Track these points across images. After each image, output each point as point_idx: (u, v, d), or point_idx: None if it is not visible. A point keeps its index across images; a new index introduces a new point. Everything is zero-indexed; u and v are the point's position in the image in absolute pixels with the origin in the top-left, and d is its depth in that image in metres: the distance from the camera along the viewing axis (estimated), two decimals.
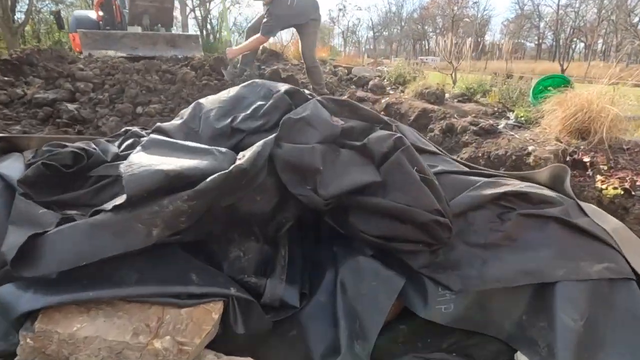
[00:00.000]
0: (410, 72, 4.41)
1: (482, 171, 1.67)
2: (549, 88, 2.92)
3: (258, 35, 3.60)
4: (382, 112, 3.69)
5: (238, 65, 4.00)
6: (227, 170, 1.11)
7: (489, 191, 1.50)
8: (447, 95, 3.89)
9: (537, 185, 1.57)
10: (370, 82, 4.39)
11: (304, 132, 1.46)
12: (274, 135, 1.39)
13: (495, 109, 3.44)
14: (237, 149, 1.45)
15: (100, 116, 2.88)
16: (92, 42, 6.40)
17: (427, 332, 1.64)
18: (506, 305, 1.45)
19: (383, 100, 3.86)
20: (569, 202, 1.49)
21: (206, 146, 1.27)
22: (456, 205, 1.51)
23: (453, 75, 4.43)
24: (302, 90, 1.66)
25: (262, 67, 4.80)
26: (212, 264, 1.46)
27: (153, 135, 1.20)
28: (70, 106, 2.81)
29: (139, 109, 2.98)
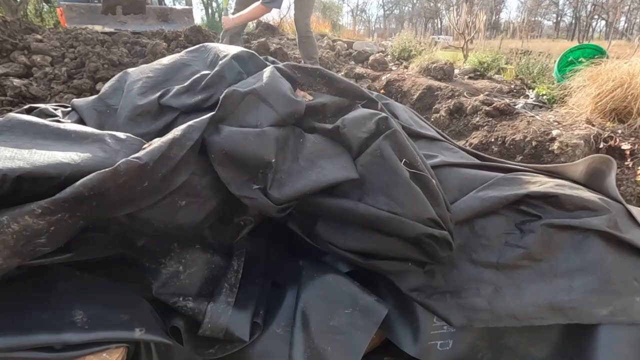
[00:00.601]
0: (416, 45, 3.90)
1: (498, 164, 1.27)
2: (579, 60, 2.45)
3: (258, 3, 3.09)
4: (382, 90, 3.26)
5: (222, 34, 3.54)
6: (110, 168, 0.73)
7: (506, 192, 1.10)
8: (456, 72, 3.42)
9: (571, 184, 1.16)
10: (371, 58, 3.92)
11: (254, 110, 1.07)
12: (208, 115, 1.01)
13: (512, 86, 2.98)
14: (165, 133, 1.07)
15: (54, 93, 2.51)
16: (77, 16, 6.00)
17: None
18: (523, 347, 1.09)
19: (383, 77, 3.41)
20: (615, 208, 1.08)
21: (96, 131, 0.89)
22: (460, 210, 1.12)
23: (464, 49, 3.92)
24: (258, 55, 1.26)
25: (253, 41, 4.35)
26: (138, 285, 1.11)
27: (13, 114, 0.83)
28: (17, 82, 2.44)
29: (99, 85, 2.60)
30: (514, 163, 1.30)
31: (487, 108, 2.49)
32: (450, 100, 2.77)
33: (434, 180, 1.06)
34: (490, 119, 2.45)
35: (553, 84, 2.73)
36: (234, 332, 1.15)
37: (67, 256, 0.92)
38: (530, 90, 2.81)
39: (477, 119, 2.49)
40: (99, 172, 0.73)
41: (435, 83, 3.08)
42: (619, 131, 2.00)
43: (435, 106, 2.83)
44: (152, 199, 0.87)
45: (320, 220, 1.15)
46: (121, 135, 0.90)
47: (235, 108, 1.07)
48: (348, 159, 1.09)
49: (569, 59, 2.65)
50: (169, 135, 0.89)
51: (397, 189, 1.00)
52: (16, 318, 0.77)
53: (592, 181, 1.21)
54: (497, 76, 3.37)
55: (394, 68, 3.81)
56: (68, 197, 0.71)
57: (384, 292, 1.19)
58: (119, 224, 1.00)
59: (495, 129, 2.34)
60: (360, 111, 1.14)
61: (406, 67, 3.70)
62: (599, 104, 2.10)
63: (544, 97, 2.58)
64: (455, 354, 1.12)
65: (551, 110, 2.45)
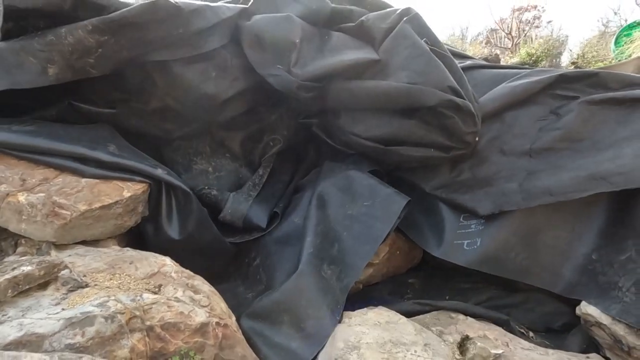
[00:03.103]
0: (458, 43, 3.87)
1: (532, 68, 1.21)
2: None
3: None
4: None
5: None
6: (150, 1, 0.84)
7: (538, 77, 1.04)
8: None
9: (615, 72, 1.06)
10: None
11: (284, 8, 1.16)
12: (241, 6, 1.11)
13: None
14: None
15: None
16: None
17: (445, 285, 1.17)
18: (564, 241, 0.95)
19: None
20: None
21: None
22: (490, 101, 1.07)
23: (513, 48, 3.82)
24: None
25: None
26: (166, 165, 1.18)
27: None
28: None
29: None
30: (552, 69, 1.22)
31: None
32: None
33: (455, 62, 1.04)
34: None
35: (611, 62, 2.54)
36: (253, 219, 1.16)
37: (111, 111, 1.03)
38: None
39: None
40: (141, 3, 0.84)
41: None
42: None
43: None
44: (187, 51, 0.97)
45: (343, 113, 1.16)
46: None
47: (267, 6, 1.16)
48: (370, 48, 1.12)
49: (634, 29, 2.46)
50: (205, 3, 1.00)
51: (417, 61, 1.00)
52: (62, 133, 0.87)
53: None
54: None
55: None
56: (114, 18, 0.82)
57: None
58: (157, 97, 1.11)
59: None
60: (386, 10, 1.18)
61: None
62: None
63: None
64: (484, 253, 1.01)
65: None
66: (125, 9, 0.84)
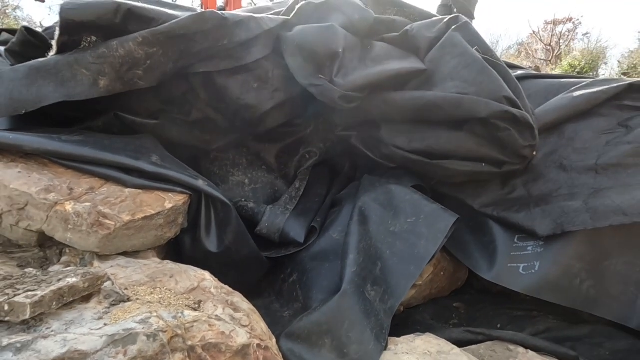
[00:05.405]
0: None
1: (593, 77, 1.12)
2: None
3: None
4: None
5: None
6: (197, 13, 0.85)
7: (601, 87, 0.95)
8: None
9: None
10: None
11: (326, 17, 1.14)
12: (284, 17, 1.11)
13: None
14: None
15: None
16: None
17: (494, 311, 1.08)
18: (637, 267, 0.85)
19: None
20: None
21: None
22: (547, 112, 1.00)
23: (552, 59, 3.65)
24: None
25: None
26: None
27: None
28: None
29: None
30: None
31: None
32: None
33: (509, 71, 0.97)
34: None
35: None
36: (290, 233, 1.12)
37: (153, 122, 1.04)
38: None
39: None
40: (189, 15, 0.85)
41: None
42: None
43: None
44: (230, 63, 0.96)
45: (384, 125, 1.12)
46: None
47: (309, 17, 1.15)
48: (415, 58, 1.07)
49: None
50: (250, 14, 0.99)
51: (468, 70, 0.94)
52: (107, 143, 0.88)
53: None
54: None
55: None
56: (163, 30, 0.83)
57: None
58: (198, 109, 1.11)
59: None
60: (431, 20, 1.14)
61: None
62: None
63: None
64: (544, 279, 0.92)
65: None
66: (173, 21, 0.84)
